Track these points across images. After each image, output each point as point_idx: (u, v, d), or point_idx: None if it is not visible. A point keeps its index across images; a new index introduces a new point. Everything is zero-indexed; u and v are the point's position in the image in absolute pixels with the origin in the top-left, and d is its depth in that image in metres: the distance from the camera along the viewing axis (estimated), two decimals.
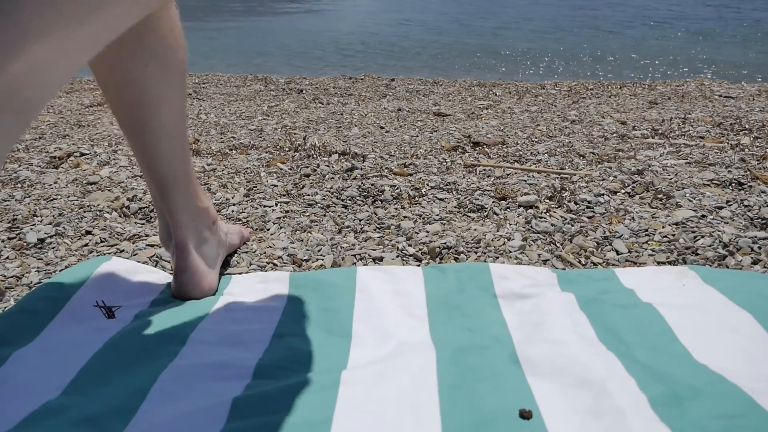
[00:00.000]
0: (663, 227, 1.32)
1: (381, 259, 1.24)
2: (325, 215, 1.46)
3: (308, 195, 1.57)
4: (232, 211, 1.48)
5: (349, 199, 1.54)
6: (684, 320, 0.93)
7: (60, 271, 1.19)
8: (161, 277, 1.14)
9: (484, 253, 1.24)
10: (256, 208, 1.49)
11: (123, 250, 1.27)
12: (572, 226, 1.36)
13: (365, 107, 2.84)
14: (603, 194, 1.52)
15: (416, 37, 5.92)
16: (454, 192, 1.58)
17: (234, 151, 2.02)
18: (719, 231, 1.28)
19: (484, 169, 1.78)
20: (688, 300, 1.00)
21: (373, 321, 0.98)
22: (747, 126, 2.21)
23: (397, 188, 1.59)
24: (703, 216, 1.36)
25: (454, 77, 3.77)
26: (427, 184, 1.63)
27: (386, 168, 1.79)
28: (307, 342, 0.92)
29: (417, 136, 2.22)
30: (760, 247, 1.21)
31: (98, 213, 1.45)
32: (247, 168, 1.81)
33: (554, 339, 0.88)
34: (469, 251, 1.25)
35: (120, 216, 1.46)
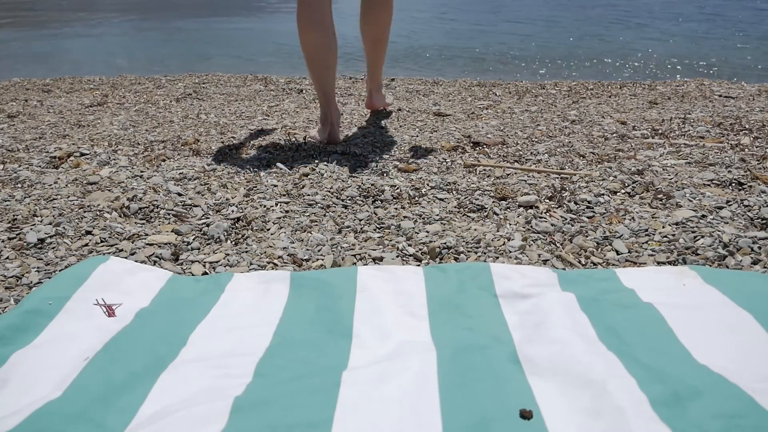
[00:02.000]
0: (663, 227, 1.32)
1: (381, 259, 1.24)
2: (325, 215, 1.46)
3: (308, 195, 1.57)
4: (232, 210, 1.48)
5: (349, 199, 1.54)
6: (684, 320, 0.93)
7: (60, 271, 1.19)
8: (160, 275, 1.14)
9: (484, 253, 1.24)
10: (256, 208, 1.49)
11: (122, 250, 1.27)
12: (572, 226, 1.36)
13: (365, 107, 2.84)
14: (603, 194, 1.52)
15: (416, 36, 5.93)
16: (454, 192, 1.58)
17: (234, 151, 2.02)
18: (719, 231, 1.28)
19: (484, 169, 1.78)
20: (688, 300, 1.00)
21: (374, 321, 0.98)
22: (747, 126, 2.21)
23: (397, 188, 1.59)
24: (703, 216, 1.36)
25: (454, 77, 3.77)
26: (427, 184, 1.63)
27: (389, 165, 1.78)
28: (308, 342, 0.92)
29: (417, 136, 2.22)
30: (760, 247, 1.21)
31: (98, 213, 1.45)
32: (247, 168, 1.81)
33: (555, 339, 0.88)
34: (469, 251, 1.25)
35: (120, 216, 1.46)
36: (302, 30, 1.90)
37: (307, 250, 1.27)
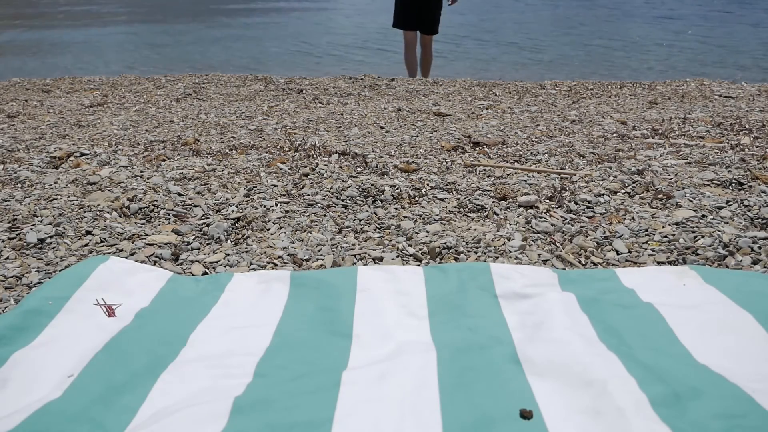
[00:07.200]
0: (663, 227, 1.32)
1: (381, 259, 1.24)
2: (325, 215, 1.46)
3: (308, 195, 1.57)
4: (232, 210, 1.48)
5: (349, 199, 1.54)
6: (685, 320, 0.93)
7: (60, 271, 1.19)
8: (160, 275, 1.14)
9: (484, 253, 1.24)
10: (256, 208, 1.49)
11: (122, 250, 1.27)
12: (572, 226, 1.36)
13: (365, 107, 2.84)
14: (603, 194, 1.52)
15: None
16: (454, 192, 1.58)
17: (234, 151, 2.02)
18: (719, 231, 1.28)
19: (484, 169, 1.78)
20: (688, 300, 1.00)
21: (374, 321, 0.98)
22: (747, 126, 2.21)
23: (397, 188, 1.59)
24: (703, 216, 1.36)
25: (454, 77, 3.77)
26: (427, 184, 1.63)
27: (389, 165, 1.78)
28: (308, 342, 0.92)
29: (417, 136, 2.22)
30: (760, 247, 1.21)
31: (98, 213, 1.45)
32: (247, 168, 1.81)
33: (555, 339, 0.88)
34: (469, 251, 1.25)
35: (120, 216, 1.46)
36: (406, 56, 4.39)
37: (307, 250, 1.27)
